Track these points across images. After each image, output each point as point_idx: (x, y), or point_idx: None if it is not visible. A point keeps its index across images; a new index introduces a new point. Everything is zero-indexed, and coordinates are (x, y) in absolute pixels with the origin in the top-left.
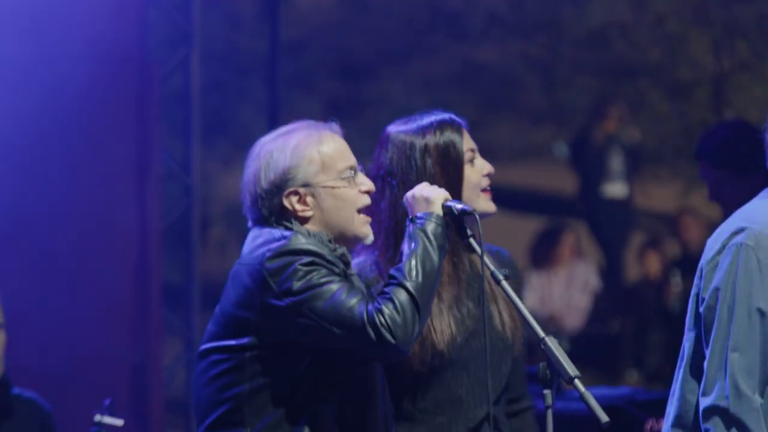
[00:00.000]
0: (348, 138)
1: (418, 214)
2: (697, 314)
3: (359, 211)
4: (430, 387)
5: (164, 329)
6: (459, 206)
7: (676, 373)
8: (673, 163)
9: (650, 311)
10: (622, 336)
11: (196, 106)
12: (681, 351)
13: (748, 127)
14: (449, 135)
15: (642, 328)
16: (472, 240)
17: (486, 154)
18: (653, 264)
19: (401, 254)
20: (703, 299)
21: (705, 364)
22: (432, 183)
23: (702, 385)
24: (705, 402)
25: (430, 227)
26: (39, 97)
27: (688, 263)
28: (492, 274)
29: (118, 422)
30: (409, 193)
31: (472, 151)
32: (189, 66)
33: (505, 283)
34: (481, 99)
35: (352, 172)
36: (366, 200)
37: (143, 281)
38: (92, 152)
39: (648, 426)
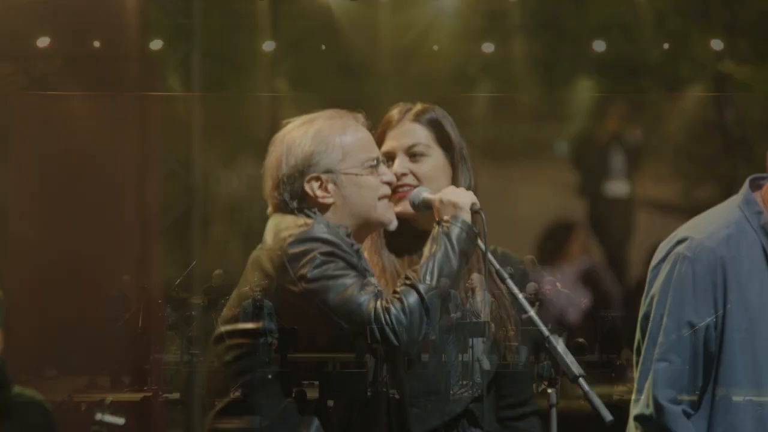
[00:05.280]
0: None
1: (445, 218)
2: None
3: (381, 198)
4: (416, 376)
5: (164, 329)
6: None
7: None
8: (674, 162)
9: None
10: (622, 336)
11: (197, 105)
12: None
13: None
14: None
15: None
16: (478, 239)
17: (487, 152)
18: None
19: (421, 255)
20: (643, 304)
21: (637, 370)
22: None
23: (634, 391)
24: (634, 410)
25: (455, 232)
26: (39, 97)
27: None
28: (497, 272)
29: (119, 421)
30: (437, 197)
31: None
32: (189, 65)
33: (510, 282)
34: (481, 98)
35: (375, 162)
36: (387, 190)
37: (143, 280)
38: (93, 152)
39: None
